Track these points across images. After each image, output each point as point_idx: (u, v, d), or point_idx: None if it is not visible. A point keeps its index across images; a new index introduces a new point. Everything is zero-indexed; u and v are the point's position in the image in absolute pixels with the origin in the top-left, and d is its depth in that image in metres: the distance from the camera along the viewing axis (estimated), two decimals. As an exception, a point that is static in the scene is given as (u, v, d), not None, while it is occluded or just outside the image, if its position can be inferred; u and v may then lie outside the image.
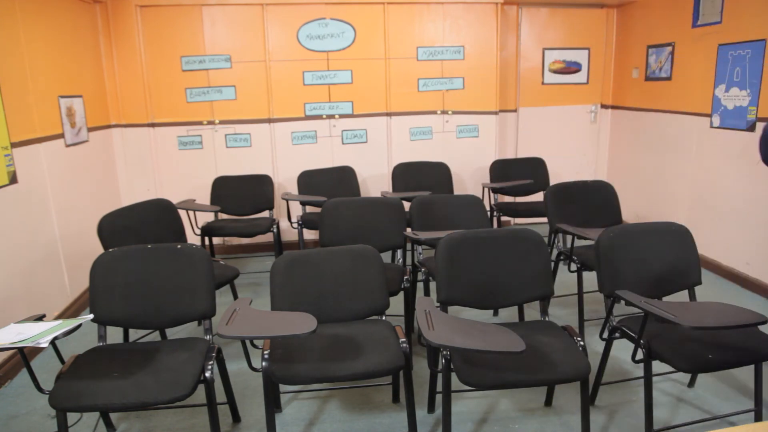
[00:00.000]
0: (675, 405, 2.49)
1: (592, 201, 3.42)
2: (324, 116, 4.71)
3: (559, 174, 5.34)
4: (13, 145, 2.97)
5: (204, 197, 4.40)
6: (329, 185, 4.36)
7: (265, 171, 4.63)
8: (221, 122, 4.58)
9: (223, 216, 4.31)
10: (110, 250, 2.32)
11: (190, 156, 4.60)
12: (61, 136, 3.56)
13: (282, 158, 4.72)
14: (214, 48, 4.45)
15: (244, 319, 1.92)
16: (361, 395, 2.63)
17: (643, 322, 2.05)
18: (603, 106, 5.42)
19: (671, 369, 2.04)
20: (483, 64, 4.84)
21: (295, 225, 4.13)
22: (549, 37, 5.21)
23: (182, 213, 3.39)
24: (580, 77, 5.34)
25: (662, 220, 3.68)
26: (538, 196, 4.60)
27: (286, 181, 4.74)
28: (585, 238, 2.84)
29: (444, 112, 4.89)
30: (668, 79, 4.49)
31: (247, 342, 2.20)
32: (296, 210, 4.40)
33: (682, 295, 2.46)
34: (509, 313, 3.35)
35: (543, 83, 5.29)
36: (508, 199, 4.96)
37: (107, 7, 4.25)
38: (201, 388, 1.97)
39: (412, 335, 3.05)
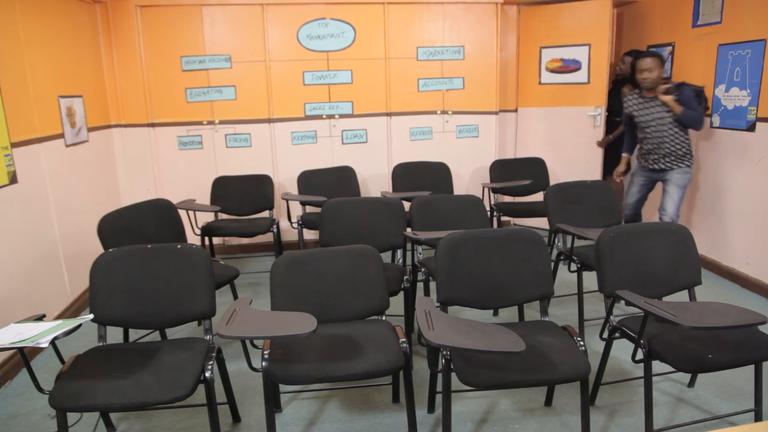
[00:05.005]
0: (675, 405, 2.49)
1: (592, 201, 3.42)
2: (324, 116, 4.71)
3: (559, 174, 5.34)
4: (13, 145, 2.97)
5: (204, 197, 4.40)
6: (329, 185, 4.36)
7: (265, 171, 4.62)
8: (221, 122, 4.57)
9: (223, 216, 4.31)
10: (110, 250, 2.32)
11: (190, 156, 4.60)
12: (61, 136, 3.56)
13: (282, 158, 4.72)
14: (214, 48, 4.44)
15: (244, 319, 1.92)
16: (361, 395, 2.63)
17: (643, 322, 2.05)
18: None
19: (671, 369, 2.05)
20: (483, 64, 4.84)
21: (295, 225, 4.12)
22: (549, 37, 5.20)
23: (182, 213, 3.39)
24: (581, 77, 5.33)
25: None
26: (538, 196, 4.59)
27: (286, 181, 4.74)
28: (585, 238, 2.84)
29: (444, 112, 4.89)
30: (668, 79, 4.49)
31: (247, 342, 2.20)
32: (296, 210, 4.40)
33: (682, 295, 2.46)
34: (509, 313, 3.35)
35: (542, 83, 5.29)
36: (508, 199, 4.96)
37: (107, 7, 4.25)
38: (201, 388, 1.97)
39: (412, 335, 3.05)
